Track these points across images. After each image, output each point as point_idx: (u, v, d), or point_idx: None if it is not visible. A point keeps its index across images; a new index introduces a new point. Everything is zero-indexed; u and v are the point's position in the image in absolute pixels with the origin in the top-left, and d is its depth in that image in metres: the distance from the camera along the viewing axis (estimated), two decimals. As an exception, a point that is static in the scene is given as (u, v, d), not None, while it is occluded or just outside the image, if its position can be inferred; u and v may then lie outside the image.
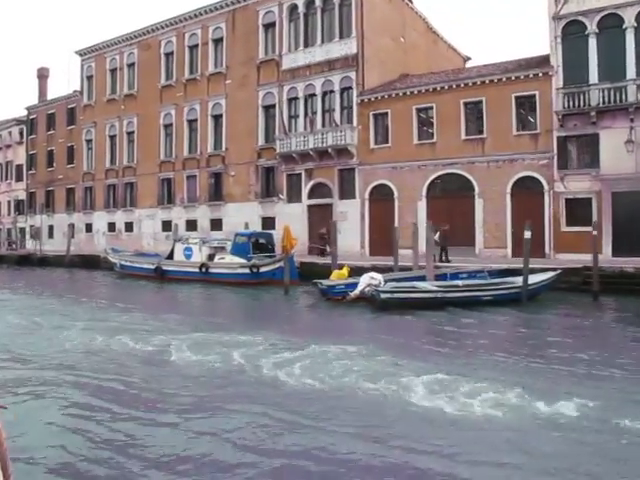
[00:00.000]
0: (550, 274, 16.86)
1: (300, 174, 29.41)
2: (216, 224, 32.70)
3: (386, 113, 27.15)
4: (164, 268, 25.06)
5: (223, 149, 32.67)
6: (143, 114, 36.67)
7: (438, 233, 20.99)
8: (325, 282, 16.91)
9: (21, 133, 47.19)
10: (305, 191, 29.22)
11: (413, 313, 14.08)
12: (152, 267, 25.48)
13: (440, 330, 12.45)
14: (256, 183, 31.08)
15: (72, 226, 37.77)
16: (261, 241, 24.29)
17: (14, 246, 43.57)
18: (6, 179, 48.94)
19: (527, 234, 15.76)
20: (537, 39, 74.24)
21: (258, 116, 31.12)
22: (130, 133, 37.92)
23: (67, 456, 5.44)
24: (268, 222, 30.11)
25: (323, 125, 28.82)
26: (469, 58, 40.07)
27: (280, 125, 29.79)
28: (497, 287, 15.80)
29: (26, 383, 8.03)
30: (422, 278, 17.01)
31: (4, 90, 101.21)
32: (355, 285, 16.30)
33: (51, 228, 43.22)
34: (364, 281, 15.36)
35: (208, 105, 33.38)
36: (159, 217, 35.89)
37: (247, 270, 22.20)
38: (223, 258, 23.48)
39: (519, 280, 16.19)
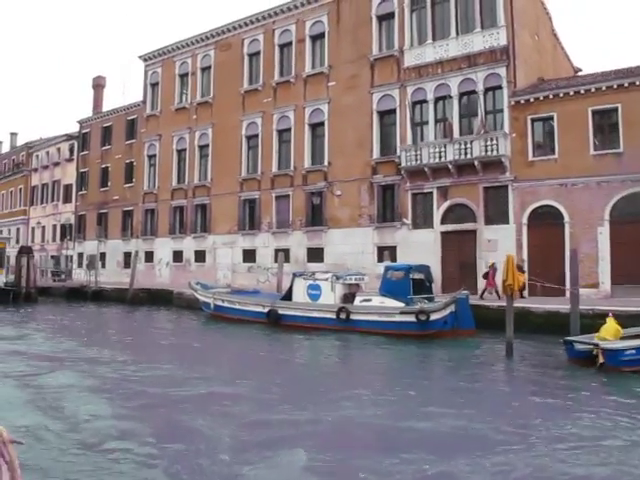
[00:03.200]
0: None
1: (431, 193, 23.75)
2: (315, 254, 26.97)
3: (551, 117, 21.60)
4: (281, 312, 19.29)
5: (325, 163, 27.14)
6: (220, 124, 31.48)
7: None
8: (604, 343, 11.00)
9: (71, 150, 42.18)
10: (438, 214, 23.52)
11: None
12: (264, 310, 19.71)
13: None
14: (370, 204, 25.44)
15: (136, 254, 32.19)
16: (416, 276, 18.29)
17: (62, 276, 38.01)
18: (52, 200, 43.79)
19: None
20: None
21: (372, 124, 25.66)
22: (203, 147, 32.68)
23: None
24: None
25: (460, 133, 23.32)
26: (580, 69, 34.63)
27: (407, 132, 24.27)
28: None
29: None
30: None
31: (56, 104, 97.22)
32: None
33: (103, 256, 37.72)
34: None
35: (305, 112, 28.04)
36: (239, 245, 30.28)
37: (412, 318, 16.31)
38: (370, 300, 17.64)
39: None
